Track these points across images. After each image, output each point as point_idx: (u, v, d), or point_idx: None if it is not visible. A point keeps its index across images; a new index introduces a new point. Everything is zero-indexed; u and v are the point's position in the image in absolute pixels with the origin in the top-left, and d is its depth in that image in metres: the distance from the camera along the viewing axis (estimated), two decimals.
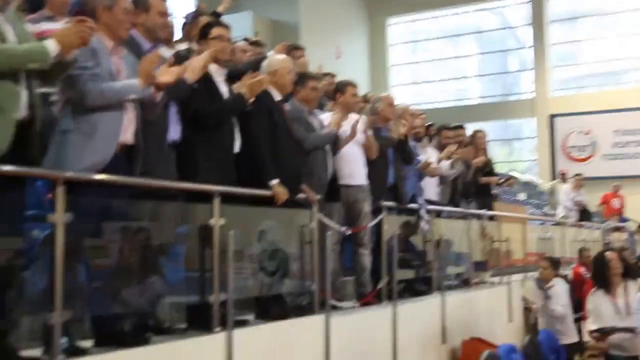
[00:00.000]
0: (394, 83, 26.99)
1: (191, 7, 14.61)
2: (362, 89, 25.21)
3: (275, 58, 5.00)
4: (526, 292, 8.15)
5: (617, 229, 13.69)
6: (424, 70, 26.83)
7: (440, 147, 7.44)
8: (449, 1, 25.53)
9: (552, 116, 23.64)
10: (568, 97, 23.85)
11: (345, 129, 5.37)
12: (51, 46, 2.98)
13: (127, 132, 3.45)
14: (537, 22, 24.39)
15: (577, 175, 14.03)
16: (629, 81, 23.74)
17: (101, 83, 3.32)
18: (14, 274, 3.03)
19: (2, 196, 2.88)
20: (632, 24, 23.36)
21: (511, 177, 9.45)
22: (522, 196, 17.23)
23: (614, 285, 5.71)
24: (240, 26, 14.44)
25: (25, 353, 2.98)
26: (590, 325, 5.83)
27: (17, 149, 2.94)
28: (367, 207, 5.50)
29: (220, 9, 8.01)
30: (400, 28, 27.10)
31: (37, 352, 2.99)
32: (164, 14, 4.11)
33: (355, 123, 5.43)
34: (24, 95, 2.98)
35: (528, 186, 19.33)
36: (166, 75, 3.52)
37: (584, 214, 13.21)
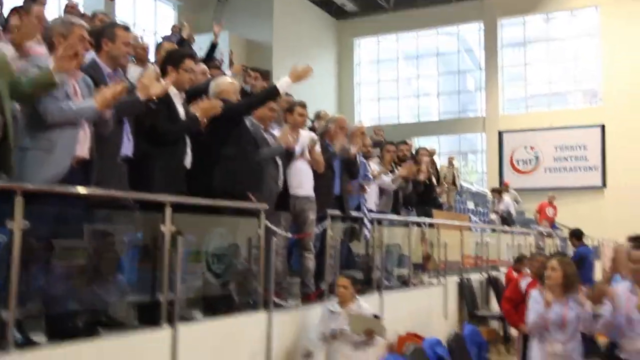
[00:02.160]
0: (360, 99, 27.19)
1: (170, 25, 14.73)
2: (330, 105, 25.38)
3: (223, 80, 5.13)
4: None
5: (549, 235, 13.99)
6: (388, 88, 27.05)
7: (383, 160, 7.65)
8: (411, 25, 25.83)
9: (501, 132, 24.06)
10: (515, 116, 24.29)
11: (297, 147, 5.55)
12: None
13: (83, 147, 3.52)
14: (490, 46, 24.79)
15: (495, 188, 14.46)
16: (571, 102, 24.24)
17: (60, 103, 3.40)
18: None
19: None
20: (575, 50, 23.91)
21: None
22: (470, 205, 17.52)
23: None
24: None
25: None
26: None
27: None
28: (312, 215, 5.62)
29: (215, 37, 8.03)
30: (366, 48, 27.32)
31: None
32: (128, 44, 4.18)
33: (306, 143, 5.64)
34: None
35: (477, 196, 19.64)
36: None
37: (506, 221, 13.47)
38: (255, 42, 20.70)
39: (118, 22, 4.62)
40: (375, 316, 5.05)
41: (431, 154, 11.17)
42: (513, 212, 13.49)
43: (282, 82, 4.93)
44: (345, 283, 5.05)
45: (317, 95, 21.45)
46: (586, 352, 5.10)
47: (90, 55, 4.05)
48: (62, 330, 3.37)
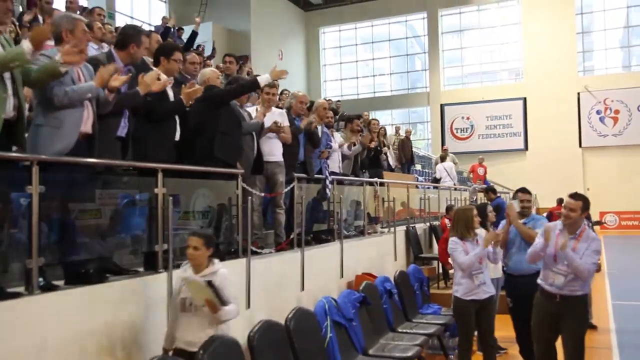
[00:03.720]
0: (325, 79, 27.13)
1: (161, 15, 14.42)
2: (300, 85, 25.23)
3: (207, 70, 5.20)
4: None
5: (481, 191, 14.28)
6: (348, 69, 27.10)
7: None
8: (367, 15, 25.77)
9: (442, 105, 24.30)
10: (454, 91, 24.55)
11: (268, 121, 5.61)
12: (25, 45, 3.09)
13: (87, 124, 3.56)
14: (432, 33, 24.86)
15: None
16: (498, 79, 24.57)
17: (65, 87, 3.42)
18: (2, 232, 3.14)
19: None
20: (501, 36, 24.15)
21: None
22: (418, 167, 17.78)
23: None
24: (203, 34, 14.36)
25: (11, 290, 3.07)
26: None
27: (7, 140, 3.07)
28: (282, 177, 5.71)
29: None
30: (330, 36, 27.21)
31: (21, 289, 3.09)
32: (147, 48, 4.29)
33: (276, 118, 5.71)
34: (10, 100, 3.09)
35: (424, 159, 19.91)
36: (116, 81, 3.67)
37: (435, 181, 13.83)
38: (236, 31, 20.45)
39: (138, 26, 4.61)
40: (209, 283, 3.33)
41: (407, 133, 11.78)
42: (442, 176, 13.70)
43: (262, 78, 5.08)
44: (196, 243, 3.45)
45: (289, 76, 21.29)
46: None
47: (105, 48, 4.08)
48: (76, 276, 3.45)
